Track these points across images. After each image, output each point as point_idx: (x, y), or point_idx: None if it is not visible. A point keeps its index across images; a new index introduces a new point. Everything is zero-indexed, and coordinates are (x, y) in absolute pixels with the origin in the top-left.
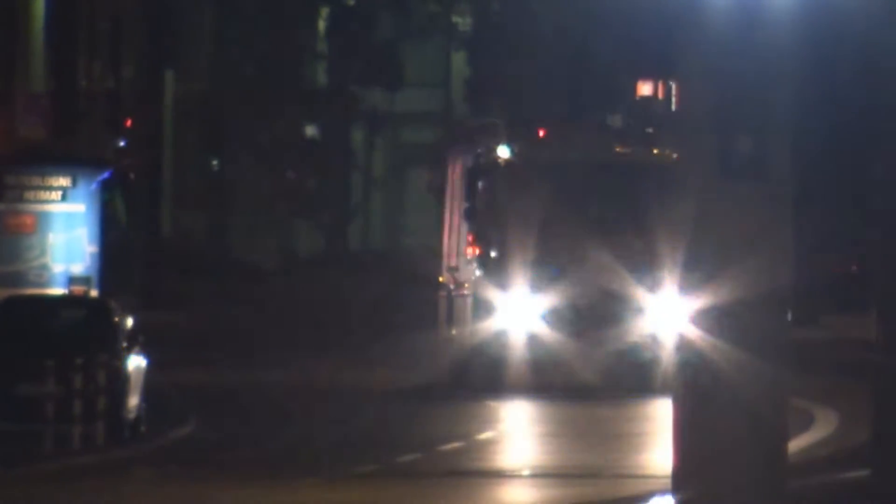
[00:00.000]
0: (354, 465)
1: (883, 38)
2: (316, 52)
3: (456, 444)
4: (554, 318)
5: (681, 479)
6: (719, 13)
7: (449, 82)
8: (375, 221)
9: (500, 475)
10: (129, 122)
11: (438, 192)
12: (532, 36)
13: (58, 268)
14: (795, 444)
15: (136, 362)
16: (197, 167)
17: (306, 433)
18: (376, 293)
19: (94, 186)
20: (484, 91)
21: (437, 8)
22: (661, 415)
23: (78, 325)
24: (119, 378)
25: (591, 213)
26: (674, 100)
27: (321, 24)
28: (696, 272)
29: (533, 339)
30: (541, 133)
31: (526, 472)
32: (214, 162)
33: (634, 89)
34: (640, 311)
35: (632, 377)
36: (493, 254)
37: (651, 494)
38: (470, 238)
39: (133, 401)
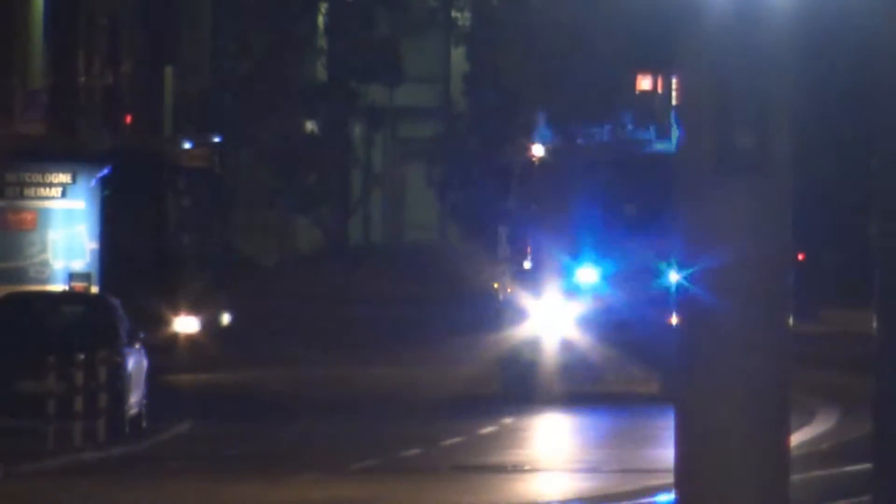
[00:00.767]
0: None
1: (881, 30)
2: (315, 47)
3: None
4: (589, 322)
5: (683, 475)
6: (719, 5)
7: (448, 77)
8: (376, 216)
9: (503, 469)
10: (128, 119)
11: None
12: (531, 30)
13: (58, 264)
14: (796, 439)
15: (136, 359)
16: None
17: (322, 430)
18: (416, 293)
19: (93, 183)
20: (483, 86)
21: (436, 3)
22: None
23: (79, 322)
24: (120, 375)
25: (630, 214)
26: (674, 94)
27: (320, 20)
28: (695, 268)
29: (567, 344)
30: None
31: (527, 467)
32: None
33: (634, 83)
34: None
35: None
36: (527, 258)
37: (656, 490)
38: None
39: (134, 397)
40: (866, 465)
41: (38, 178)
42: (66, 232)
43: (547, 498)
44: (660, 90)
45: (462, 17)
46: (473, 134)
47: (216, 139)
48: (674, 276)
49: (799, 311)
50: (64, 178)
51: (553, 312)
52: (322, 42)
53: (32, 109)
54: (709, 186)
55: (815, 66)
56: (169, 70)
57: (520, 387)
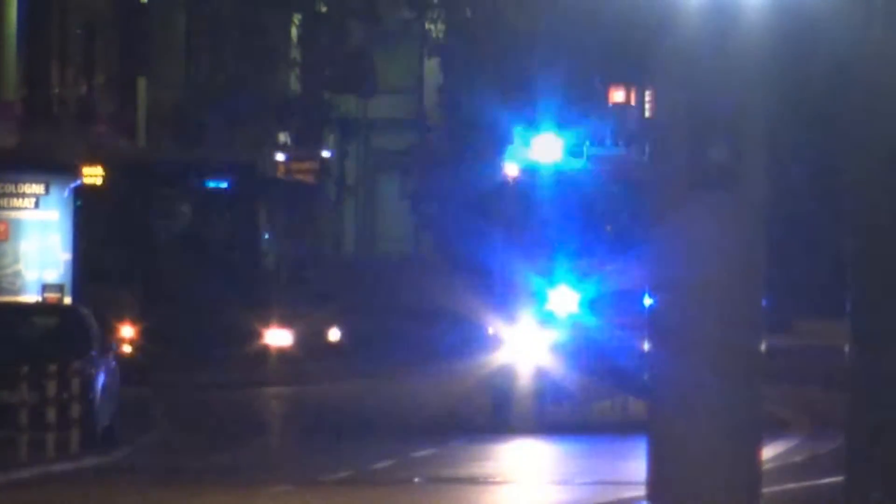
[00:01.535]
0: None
1: (854, 45)
2: (288, 59)
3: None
4: (568, 351)
5: (655, 487)
6: (692, 19)
7: (422, 89)
8: (348, 228)
9: (474, 482)
10: (101, 130)
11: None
12: (505, 43)
13: (31, 275)
14: (769, 451)
15: (108, 369)
16: None
17: (282, 441)
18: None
19: (66, 193)
20: (457, 98)
21: (409, 14)
22: None
23: (51, 333)
24: (93, 385)
25: (609, 235)
26: (647, 107)
27: (293, 31)
28: (665, 283)
29: (542, 373)
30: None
31: (499, 479)
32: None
33: (606, 96)
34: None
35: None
36: (502, 278)
37: (629, 502)
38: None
39: (107, 408)
40: (839, 478)
41: (10, 188)
42: (39, 243)
43: None
44: (633, 103)
45: (435, 29)
46: (447, 146)
47: (326, 153)
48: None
49: (770, 323)
50: (37, 188)
51: (528, 338)
52: (295, 53)
53: (6, 120)
54: (681, 200)
55: (787, 81)
56: (142, 81)
57: (496, 414)
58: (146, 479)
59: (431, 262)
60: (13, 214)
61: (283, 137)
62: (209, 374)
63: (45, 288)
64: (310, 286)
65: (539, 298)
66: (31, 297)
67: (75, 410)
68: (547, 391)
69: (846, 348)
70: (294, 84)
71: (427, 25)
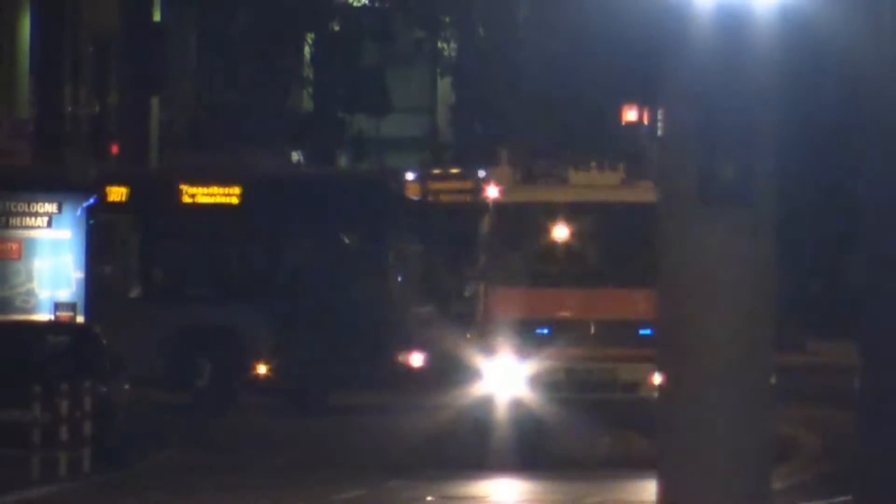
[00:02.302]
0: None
1: (866, 62)
2: (302, 77)
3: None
4: (547, 383)
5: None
6: (702, 38)
7: (434, 108)
8: None
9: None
10: (114, 149)
11: None
12: (517, 62)
13: (44, 294)
14: (780, 471)
15: (121, 388)
16: None
17: (290, 458)
18: None
19: (79, 213)
20: (469, 117)
21: (422, 34)
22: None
23: (64, 351)
24: (105, 404)
25: (591, 262)
26: (660, 125)
27: (307, 50)
28: (675, 302)
29: (520, 407)
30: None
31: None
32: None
33: (620, 115)
34: (650, 373)
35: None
36: (478, 308)
37: None
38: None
39: (119, 426)
40: (848, 497)
41: (23, 207)
42: (52, 262)
43: None
44: (646, 122)
45: (448, 49)
46: (460, 164)
47: (482, 172)
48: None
49: (784, 343)
50: (50, 207)
51: (508, 370)
52: (308, 72)
53: (18, 139)
54: (693, 216)
55: (799, 98)
56: (155, 100)
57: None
58: (154, 498)
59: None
60: (26, 233)
61: (295, 156)
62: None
63: (58, 307)
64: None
65: (523, 328)
66: (43, 315)
67: (88, 429)
68: (526, 427)
69: (857, 370)
70: (307, 103)
71: (440, 44)
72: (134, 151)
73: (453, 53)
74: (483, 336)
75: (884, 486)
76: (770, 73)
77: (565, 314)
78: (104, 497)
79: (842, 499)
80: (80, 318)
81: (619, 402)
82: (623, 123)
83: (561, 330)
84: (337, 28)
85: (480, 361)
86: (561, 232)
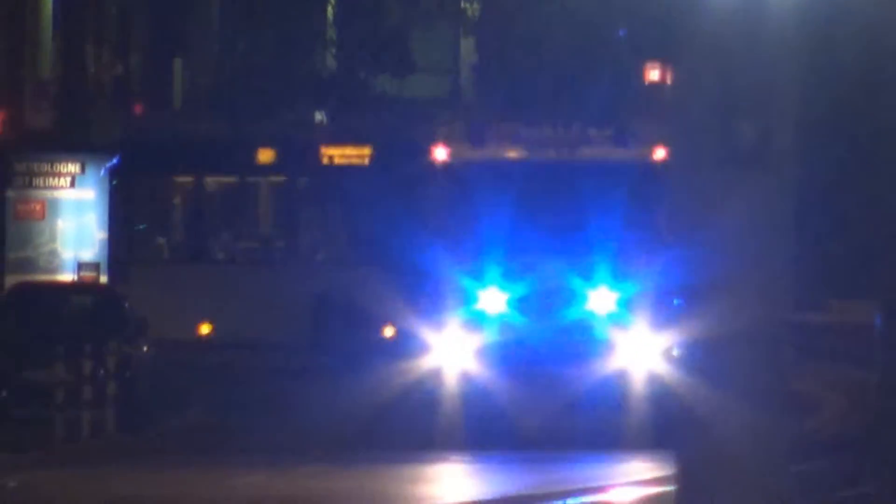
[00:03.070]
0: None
1: (887, 19)
2: (324, 38)
3: None
4: (498, 356)
5: (682, 472)
6: None
7: (457, 68)
8: None
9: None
10: (137, 109)
11: None
12: (540, 21)
13: (67, 254)
14: (801, 429)
15: (145, 349)
16: None
17: (312, 420)
18: None
19: (102, 173)
20: (491, 77)
21: None
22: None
23: (88, 312)
24: (128, 364)
25: (545, 228)
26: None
27: (329, 11)
28: (693, 265)
29: (470, 381)
30: (488, 131)
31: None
32: None
33: (642, 75)
34: (606, 344)
35: (592, 427)
36: (425, 276)
37: (658, 481)
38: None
39: (142, 387)
40: (867, 457)
41: (46, 167)
42: (76, 222)
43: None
44: (668, 81)
45: (471, 8)
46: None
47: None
48: (602, 300)
49: (805, 301)
50: (73, 167)
51: (454, 343)
52: (331, 33)
53: (42, 100)
54: (710, 178)
55: (819, 58)
56: (178, 61)
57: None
58: (174, 459)
59: None
60: (49, 193)
61: (319, 117)
62: None
63: (81, 267)
64: None
65: (470, 299)
66: (67, 275)
67: (111, 389)
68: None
69: (875, 327)
70: (330, 63)
71: (462, 4)
72: (157, 112)
73: (476, 14)
74: (431, 309)
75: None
76: (790, 32)
77: (518, 280)
78: (126, 457)
79: (860, 458)
80: (102, 279)
81: (573, 377)
82: (646, 83)
83: (513, 298)
84: None
85: (430, 333)
86: (514, 196)
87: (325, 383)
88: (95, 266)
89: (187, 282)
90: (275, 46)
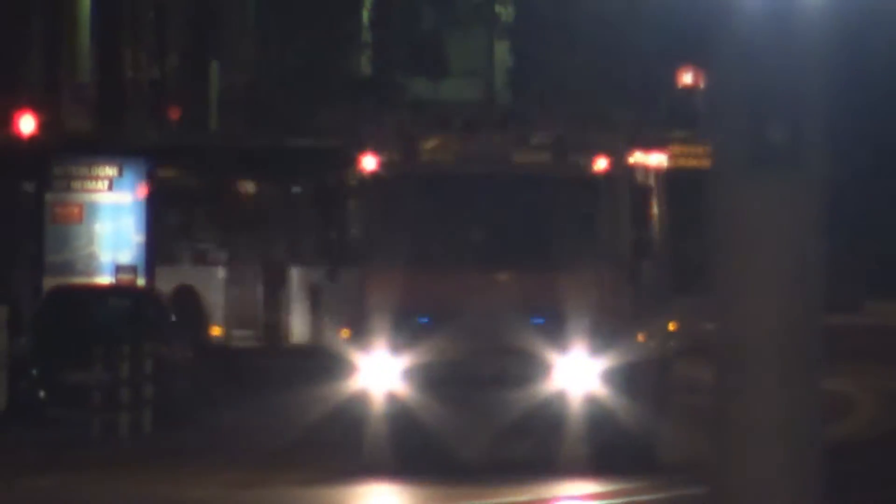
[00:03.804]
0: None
1: None
2: (360, 41)
3: None
4: (428, 378)
5: (714, 471)
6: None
7: (491, 71)
8: None
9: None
10: (174, 113)
11: None
12: (573, 25)
13: (105, 257)
14: (834, 430)
15: (182, 350)
16: None
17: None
18: None
19: (140, 176)
20: (525, 79)
21: None
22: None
23: (125, 314)
24: (166, 366)
25: (477, 242)
26: (709, 88)
27: (365, 14)
28: (723, 266)
29: (398, 406)
30: (419, 140)
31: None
32: None
33: (675, 79)
34: (542, 367)
35: (528, 451)
36: (351, 294)
37: (687, 483)
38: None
39: (180, 388)
40: None
41: (85, 171)
42: (113, 225)
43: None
44: (701, 85)
45: (505, 13)
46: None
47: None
48: (538, 318)
49: (840, 303)
50: (111, 171)
51: (381, 364)
52: (367, 36)
53: (80, 103)
54: (742, 179)
55: (849, 59)
56: (214, 64)
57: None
58: (209, 461)
59: None
60: (87, 197)
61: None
62: None
63: (119, 269)
64: None
65: (401, 317)
66: (104, 278)
67: (148, 390)
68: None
69: None
70: (366, 66)
71: (497, 9)
72: (194, 115)
73: (510, 17)
74: (359, 326)
75: None
76: (820, 34)
77: (450, 301)
78: (163, 457)
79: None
80: (140, 281)
81: (508, 400)
82: (679, 87)
83: (444, 319)
84: None
85: (356, 354)
86: (445, 209)
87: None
88: (133, 269)
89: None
90: (310, 49)
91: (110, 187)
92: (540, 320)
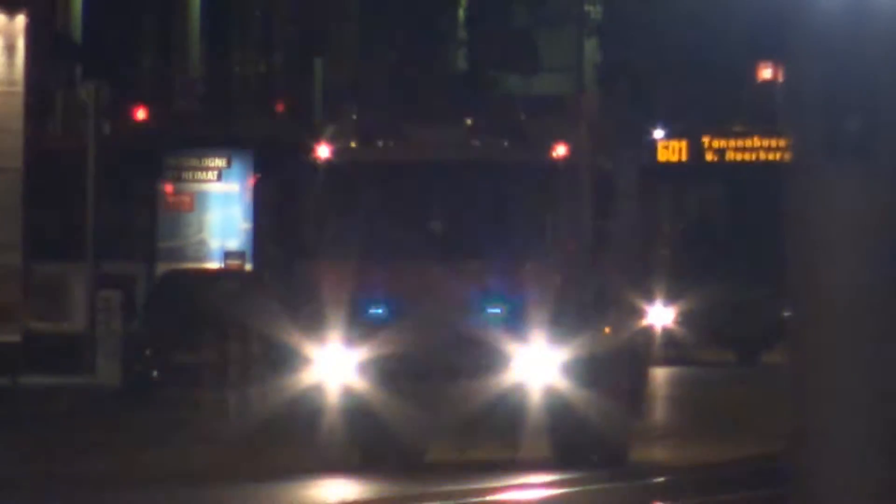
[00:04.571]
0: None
1: None
2: (457, 38)
3: None
4: (384, 371)
5: (795, 443)
6: None
7: (581, 67)
8: None
9: None
10: (280, 107)
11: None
12: (658, 22)
13: (214, 243)
14: None
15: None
16: None
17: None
18: None
19: (247, 167)
20: (613, 75)
21: None
22: None
23: (234, 297)
24: (274, 347)
25: (433, 232)
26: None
27: (461, 13)
28: (800, 256)
29: (353, 400)
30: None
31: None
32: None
33: (755, 74)
34: (499, 358)
35: (486, 443)
36: (303, 286)
37: (768, 457)
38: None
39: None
40: None
41: (195, 162)
42: (222, 213)
43: None
44: (780, 79)
45: (594, 11)
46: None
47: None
48: (495, 309)
49: None
50: (220, 162)
51: (336, 357)
52: (463, 33)
53: (190, 97)
54: (818, 170)
55: None
56: (318, 60)
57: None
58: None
59: None
60: (197, 186)
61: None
62: None
63: (227, 255)
64: None
65: (353, 310)
66: (214, 263)
67: (255, 371)
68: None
69: None
70: (462, 62)
71: (586, 7)
72: (299, 110)
73: (599, 15)
74: (311, 318)
75: None
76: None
77: (405, 292)
78: (270, 433)
79: None
80: (247, 266)
81: (465, 392)
82: (759, 81)
83: (399, 310)
84: None
85: (308, 347)
86: (399, 197)
87: None
88: (241, 254)
89: None
90: (409, 46)
91: (219, 177)
92: (496, 310)
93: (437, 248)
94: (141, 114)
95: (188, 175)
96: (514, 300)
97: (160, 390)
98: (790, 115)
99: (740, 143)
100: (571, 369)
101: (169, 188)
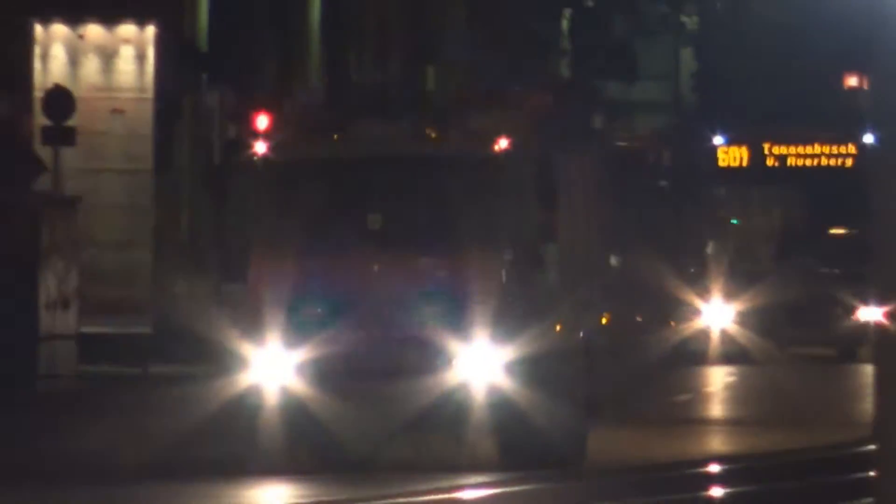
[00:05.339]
0: None
1: None
2: (559, 48)
3: None
4: (323, 371)
5: (882, 430)
6: None
7: (678, 75)
8: None
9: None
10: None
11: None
12: (752, 32)
13: None
14: None
15: None
16: None
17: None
18: None
19: None
20: (709, 83)
21: (667, 9)
22: None
23: None
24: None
25: (374, 228)
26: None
27: (563, 24)
28: (887, 253)
29: (291, 400)
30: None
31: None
32: None
33: (842, 82)
34: (442, 356)
35: (431, 447)
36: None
37: (856, 443)
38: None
39: None
40: None
41: None
42: None
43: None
44: (866, 87)
45: (690, 21)
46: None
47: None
48: (438, 307)
49: None
50: None
51: (274, 357)
52: (565, 43)
53: (311, 106)
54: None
55: None
56: (430, 69)
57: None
58: None
59: None
60: None
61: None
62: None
63: None
64: None
65: (291, 308)
66: None
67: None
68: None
69: None
70: (564, 71)
71: (682, 18)
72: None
73: (695, 26)
74: (249, 317)
75: None
76: None
77: (344, 289)
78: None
79: None
80: None
81: (407, 391)
82: (845, 88)
83: (338, 308)
84: (591, 3)
85: (246, 347)
86: (337, 192)
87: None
88: None
89: None
90: (515, 56)
91: None
92: (438, 307)
93: (377, 245)
94: (262, 120)
95: None
96: (457, 297)
97: None
98: (876, 122)
99: (801, 149)
100: (516, 367)
101: None
